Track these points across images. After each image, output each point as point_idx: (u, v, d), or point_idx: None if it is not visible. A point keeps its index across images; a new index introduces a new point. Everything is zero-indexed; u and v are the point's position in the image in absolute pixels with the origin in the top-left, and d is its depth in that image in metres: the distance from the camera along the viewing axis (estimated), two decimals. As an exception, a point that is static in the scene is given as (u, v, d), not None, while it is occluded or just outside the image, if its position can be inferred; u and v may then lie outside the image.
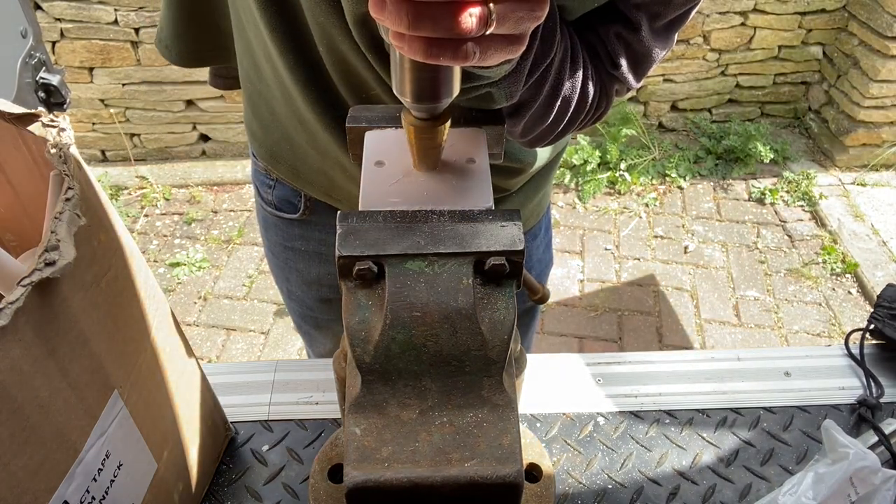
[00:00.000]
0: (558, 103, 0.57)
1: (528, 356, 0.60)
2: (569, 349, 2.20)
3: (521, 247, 0.40)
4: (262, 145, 0.79)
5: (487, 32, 0.36)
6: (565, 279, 2.45)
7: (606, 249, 2.58)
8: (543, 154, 0.75)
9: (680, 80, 3.01)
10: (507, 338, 0.39)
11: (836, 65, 2.96)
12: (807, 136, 3.14)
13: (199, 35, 0.78)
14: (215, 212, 2.73)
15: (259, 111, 0.76)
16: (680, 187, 2.86)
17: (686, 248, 2.58)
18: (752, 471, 0.68)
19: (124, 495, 0.48)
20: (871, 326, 0.79)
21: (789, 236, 2.64)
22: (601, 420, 0.72)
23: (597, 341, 2.23)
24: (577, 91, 0.57)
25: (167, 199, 2.78)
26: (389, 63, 0.43)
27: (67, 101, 1.26)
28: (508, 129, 0.58)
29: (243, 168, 2.89)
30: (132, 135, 2.88)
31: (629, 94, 3.00)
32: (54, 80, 1.23)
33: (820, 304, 2.37)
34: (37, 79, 1.22)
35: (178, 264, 2.48)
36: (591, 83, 0.59)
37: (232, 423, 0.69)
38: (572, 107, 0.58)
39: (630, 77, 0.60)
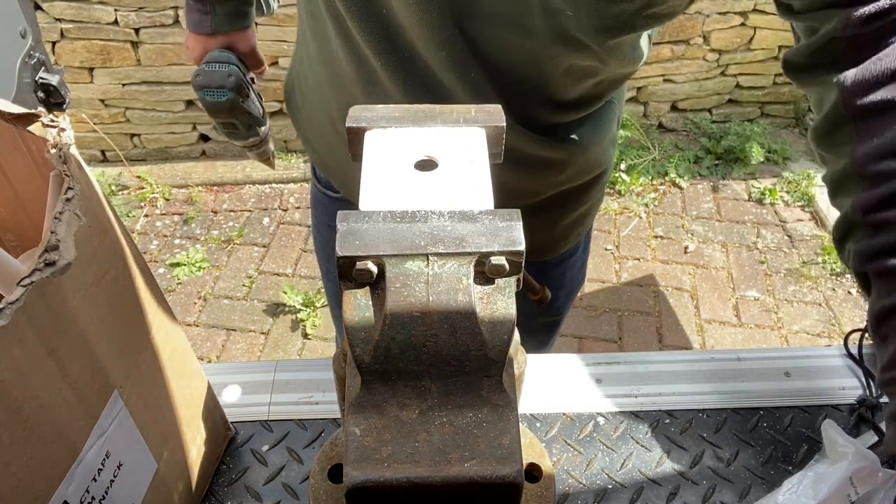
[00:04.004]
0: None
1: (529, 356, 0.60)
2: (569, 349, 2.20)
3: (521, 247, 0.40)
4: (316, 151, 0.81)
5: None
6: (565, 279, 2.45)
7: (606, 249, 2.58)
8: (595, 135, 0.65)
9: (680, 81, 3.01)
10: (507, 338, 0.39)
11: (835, 65, 2.95)
12: (807, 137, 3.14)
13: None
14: (215, 212, 2.73)
15: (312, 120, 0.78)
16: (680, 187, 2.86)
17: (686, 248, 2.58)
18: (752, 471, 0.68)
19: (124, 495, 0.48)
20: (871, 326, 0.78)
21: (789, 236, 2.64)
22: (601, 420, 0.72)
23: (597, 341, 2.23)
24: None
25: (167, 200, 2.78)
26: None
27: (67, 101, 1.26)
28: None
29: (243, 168, 2.89)
30: (132, 135, 2.88)
31: (627, 96, 2.99)
32: (54, 80, 1.23)
33: (820, 305, 2.37)
34: (36, 79, 1.22)
35: (178, 264, 2.48)
36: None
37: (232, 423, 0.69)
38: None
39: None
